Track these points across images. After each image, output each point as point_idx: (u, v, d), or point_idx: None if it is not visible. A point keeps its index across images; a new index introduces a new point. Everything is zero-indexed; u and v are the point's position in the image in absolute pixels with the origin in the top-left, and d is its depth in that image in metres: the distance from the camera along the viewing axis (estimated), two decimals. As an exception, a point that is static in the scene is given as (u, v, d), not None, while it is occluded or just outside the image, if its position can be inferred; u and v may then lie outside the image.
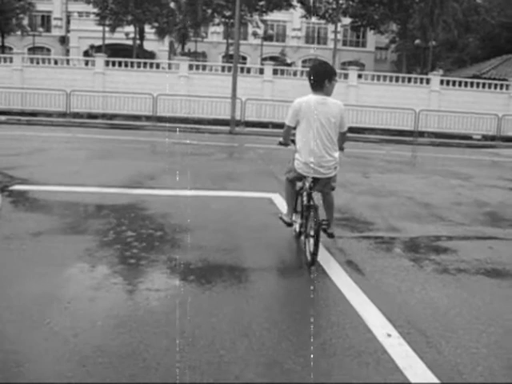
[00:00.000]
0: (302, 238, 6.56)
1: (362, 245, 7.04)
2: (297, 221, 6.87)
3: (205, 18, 44.84)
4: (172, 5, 45.04)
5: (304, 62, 65.35)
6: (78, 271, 5.45)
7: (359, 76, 32.81)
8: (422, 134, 29.75)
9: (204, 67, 33.21)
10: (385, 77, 32.95)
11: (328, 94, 6.17)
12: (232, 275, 5.56)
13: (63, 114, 28.74)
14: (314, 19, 52.77)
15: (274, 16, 55.92)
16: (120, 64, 31.97)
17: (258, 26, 49.91)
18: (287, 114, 6.32)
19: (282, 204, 9.15)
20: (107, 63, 32.09)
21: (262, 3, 43.00)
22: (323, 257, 6.31)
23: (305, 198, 6.33)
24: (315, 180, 6.26)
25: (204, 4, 41.84)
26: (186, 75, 31.61)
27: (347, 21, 50.76)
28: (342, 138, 6.47)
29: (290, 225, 6.82)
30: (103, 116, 29.74)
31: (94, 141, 19.06)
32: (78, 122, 26.49)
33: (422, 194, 11.25)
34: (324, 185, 6.45)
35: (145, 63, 32.27)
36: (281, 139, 6.67)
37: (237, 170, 13.14)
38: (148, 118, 28.76)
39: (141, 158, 14.32)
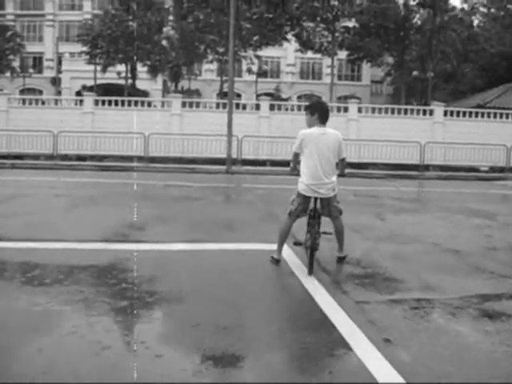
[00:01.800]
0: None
1: (395, 312, 5.67)
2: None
3: (198, 54, 43.97)
4: (164, 42, 44.23)
5: (299, 97, 64.65)
6: None
7: (359, 109, 31.66)
8: (427, 167, 28.50)
9: (198, 104, 32.05)
10: (386, 109, 31.79)
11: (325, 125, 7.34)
12: (236, 370, 4.17)
13: (50, 157, 27.43)
14: (309, 53, 52.08)
15: (268, 52, 55.31)
16: (110, 103, 30.77)
17: (252, 62, 49.14)
18: (294, 143, 7.36)
19: (290, 257, 7.82)
20: (97, 102, 30.90)
21: (256, 38, 42.09)
22: (352, 333, 4.98)
23: (310, 220, 7.30)
24: (316, 200, 7.28)
25: (197, 40, 40.91)
26: (179, 113, 30.41)
27: (342, 54, 50.02)
28: (342, 164, 7.57)
29: (277, 262, 7.51)
30: (92, 157, 28.40)
31: (80, 185, 17.71)
32: (66, 165, 25.15)
33: (447, 238, 9.92)
34: (327, 205, 7.39)
35: (136, 102, 31.06)
36: (291, 165, 7.70)
37: (236, 215, 11.75)
38: (140, 159, 27.43)
39: (129, 205, 12.92)
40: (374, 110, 31.79)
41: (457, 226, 11.33)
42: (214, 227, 10.14)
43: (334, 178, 7.31)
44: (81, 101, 31.84)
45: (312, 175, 7.17)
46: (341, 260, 7.76)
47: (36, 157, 27.70)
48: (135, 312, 5.42)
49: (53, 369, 4.14)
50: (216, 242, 8.83)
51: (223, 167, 25.09)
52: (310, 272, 6.99)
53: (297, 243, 7.61)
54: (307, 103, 8.24)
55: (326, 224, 7.62)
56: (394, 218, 12.11)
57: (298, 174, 7.44)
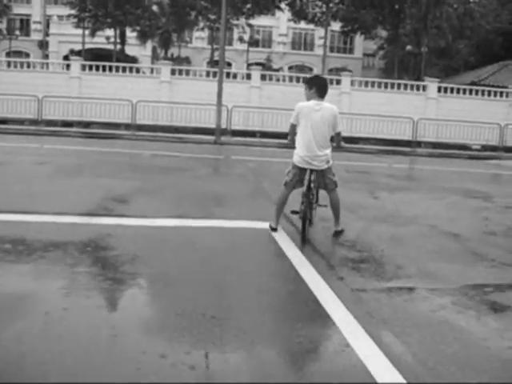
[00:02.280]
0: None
1: (395, 303, 5.28)
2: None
3: (189, 21, 43.08)
4: (154, 7, 43.23)
5: (290, 68, 63.85)
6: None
7: (352, 83, 31.05)
8: (418, 143, 28.12)
9: (188, 72, 31.31)
10: (379, 83, 31.25)
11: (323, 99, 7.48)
12: (223, 362, 3.77)
13: (35, 122, 26.75)
14: (301, 24, 51.22)
15: (260, 21, 54.41)
16: (98, 68, 29.98)
17: (243, 31, 48.26)
18: (292, 115, 7.60)
19: (280, 236, 7.42)
20: (84, 67, 30.13)
21: (248, 6, 41.20)
22: (349, 326, 4.61)
23: (305, 187, 7.37)
24: (311, 172, 7.39)
25: (188, 6, 39.99)
26: (168, 80, 29.71)
27: (336, 26, 49.21)
28: (338, 138, 7.72)
29: (274, 230, 7.71)
30: (79, 124, 27.79)
31: (64, 153, 17.12)
32: (51, 131, 24.48)
33: (445, 220, 9.53)
34: (322, 177, 7.56)
35: (124, 68, 30.29)
36: (288, 137, 7.83)
37: (225, 189, 11.29)
38: (127, 127, 26.86)
39: (114, 175, 12.46)
40: (366, 83, 31.17)
41: (454, 208, 10.95)
42: (202, 202, 9.70)
43: (328, 151, 7.50)
44: (68, 65, 31.03)
45: (306, 147, 7.37)
46: (337, 234, 7.81)
47: (20, 122, 27.01)
48: (115, 296, 5.00)
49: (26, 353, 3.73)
50: (204, 218, 8.39)
51: (212, 137, 24.61)
52: (303, 241, 7.22)
53: (294, 212, 7.64)
54: (307, 76, 9.23)
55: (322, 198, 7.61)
56: (388, 197, 11.72)
57: (295, 146, 7.62)
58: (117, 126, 27.21)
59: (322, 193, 7.81)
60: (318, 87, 7.49)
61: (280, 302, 5.18)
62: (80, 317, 4.49)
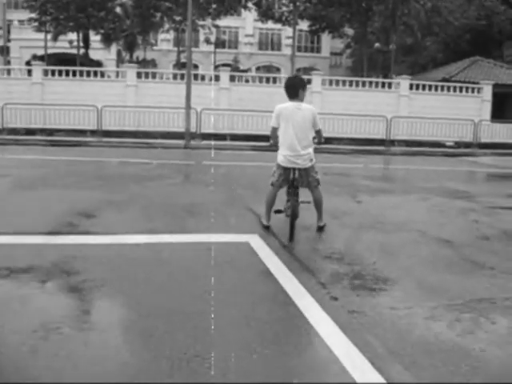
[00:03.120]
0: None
1: (398, 326, 4.70)
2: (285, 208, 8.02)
3: (153, 23, 42.20)
4: (118, 9, 42.26)
5: (258, 68, 63.43)
6: None
7: (322, 82, 30.54)
8: (392, 142, 27.73)
9: (154, 75, 30.45)
10: (350, 82, 30.76)
11: (302, 100, 7.76)
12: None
13: (-4, 131, 25.82)
14: (268, 24, 50.72)
15: (226, 22, 53.85)
16: (60, 73, 28.97)
17: (210, 32, 47.60)
18: (271, 118, 7.77)
19: (263, 251, 6.83)
20: (46, 73, 29.13)
21: (214, 6, 40.48)
22: (353, 360, 4.03)
23: (290, 190, 7.75)
24: (295, 171, 7.68)
25: (152, 8, 39.15)
26: (134, 84, 28.88)
27: (302, 25, 48.80)
28: (319, 135, 7.95)
29: (266, 228, 8.00)
30: (42, 131, 26.82)
31: (26, 163, 16.24)
32: (13, 140, 23.55)
33: (434, 224, 9.03)
34: (305, 175, 7.82)
35: (88, 72, 29.35)
36: (270, 141, 8.02)
37: (197, 198, 10.62)
38: (93, 133, 26.00)
39: (80, 186, 11.72)
40: (337, 82, 30.68)
41: (440, 211, 10.42)
42: (174, 213, 9.03)
43: (311, 150, 7.77)
44: (29, 71, 30.02)
45: (289, 147, 7.61)
46: (320, 229, 8.08)
47: (-21, 131, 26.03)
48: (80, 336, 4.33)
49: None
50: (176, 232, 7.74)
51: (181, 142, 23.93)
52: (291, 239, 7.42)
53: (278, 211, 8.05)
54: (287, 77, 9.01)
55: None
56: (370, 201, 11.17)
57: (277, 148, 7.86)
58: (82, 132, 26.32)
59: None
60: (286, 88, 7.86)
61: (270, 333, 4.54)
62: (40, 367, 3.82)
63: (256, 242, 7.27)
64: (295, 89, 7.76)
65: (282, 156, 7.70)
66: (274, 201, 8.04)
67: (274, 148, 7.96)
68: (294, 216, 7.55)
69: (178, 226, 8.14)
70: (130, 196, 10.51)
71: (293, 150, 7.60)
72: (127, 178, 13.13)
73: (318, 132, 7.91)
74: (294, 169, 7.68)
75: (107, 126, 26.06)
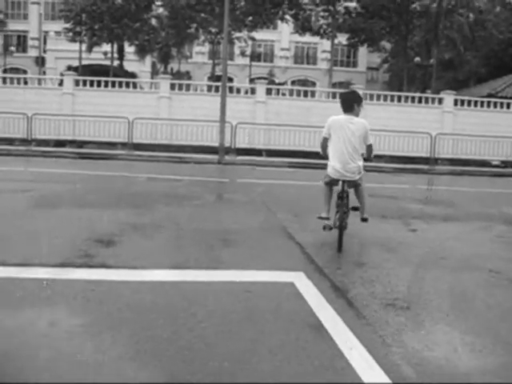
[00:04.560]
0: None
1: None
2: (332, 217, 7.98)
3: (189, 34, 41.50)
4: (153, 21, 41.64)
5: (293, 82, 62.39)
6: None
7: (363, 96, 29.22)
8: (436, 160, 26.30)
9: (188, 87, 29.59)
10: (392, 97, 29.46)
11: (356, 115, 7.90)
12: None
13: (25, 141, 25.00)
14: (304, 38, 49.78)
15: (262, 35, 53.12)
16: (92, 84, 28.26)
17: (246, 44, 46.78)
18: (324, 128, 7.97)
19: (312, 295, 5.64)
20: (77, 83, 28.40)
21: (250, 18, 39.58)
22: None
23: (339, 200, 7.82)
24: (344, 183, 7.85)
25: (188, 19, 38.37)
26: (167, 96, 27.98)
27: (339, 39, 47.70)
28: (368, 150, 8.05)
29: (327, 219, 7.91)
30: (72, 143, 26.02)
31: (49, 178, 15.26)
32: (40, 151, 22.76)
33: (505, 261, 7.74)
34: (353, 186, 7.99)
35: (120, 83, 28.57)
36: (321, 151, 8.18)
37: (233, 223, 9.44)
38: (124, 146, 25.09)
39: (103, 206, 10.68)
40: (379, 96, 29.35)
41: (508, 243, 9.13)
42: (205, 242, 7.84)
43: (360, 163, 7.90)
44: (61, 81, 29.31)
45: (338, 159, 7.77)
46: (364, 220, 8.17)
47: (10, 141, 25.26)
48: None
49: None
50: (209, 268, 6.56)
51: (215, 157, 22.88)
52: (339, 249, 7.61)
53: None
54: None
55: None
56: (426, 229, 9.91)
57: (327, 158, 8.06)
58: (113, 145, 25.44)
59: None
60: (342, 102, 8.00)
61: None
62: None
63: (302, 282, 6.09)
64: (350, 103, 7.93)
65: (332, 168, 7.87)
66: (331, 194, 8.13)
67: (326, 158, 8.10)
68: (342, 227, 7.68)
69: (209, 259, 6.96)
70: (157, 219, 9.39)
71: (342, 162, 7.75)
72: (155, 197, 12.04)
73: (369, 147, 8.07)
74: (344, 181, 7.85)
75: (138, 138, 25.16)
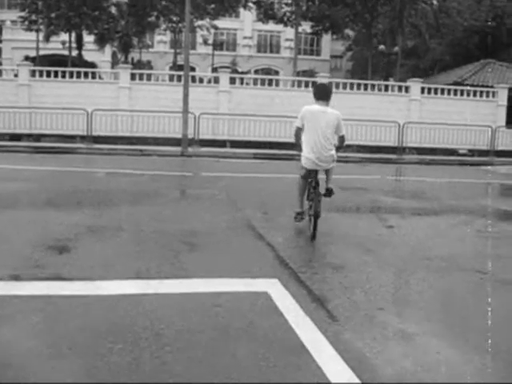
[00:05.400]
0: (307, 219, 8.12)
1: None
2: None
3: (149, 23, 40.46)
4: (113, 9, 40.46)
5: (256, 71, 61.69)
6: None
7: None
8: (403, 149, 25.96)
9: (149, 77, 28.59)
10: (359, 85, 28.95)
11: (328, 104, 8.12)
12: None
13: (-22, 136, 23.97)
14: (266, 26, 49.15)
15: (225, 23, 52.34)
16: (49, 74, 27.14)
17: (208, 33, 45.92)
18: (297, 118, 8.15)
19: (289, 307, 5.10)
20: (33, 73, 27.28)
21: (213, 6, 38.73)
22: None
23: (312, 189, 8.01)
24: (317, 171, 8.14)
25: (148, 7, 37.37)
26: (127, 86, 26.99)
27: (303, 27, 47.19)
28: (341, 140, 8.34)
29: (300, 214, 8.22)
30: (29, 137, 25.01)
31: (2, 174, 14.42)
32: (-5, 146, 21.78)
33: (491, 260, 7.26)
34: (326, 172, 8.30)
35: (78, 73, 27.50)
36: (295, 141, 8.34)
37: (198, 222, 8.78)
38: (83, 139, 24.19)
39: (57, 206, 9.98)
40: (345, 85, 28.81)
41: (489, 238, 8.67)
42: (169, 246, 7.19)
43: (333, 152, 8.06)
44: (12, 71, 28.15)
45: (312, 149, 7.89)
46: (329, 191, 8.26)
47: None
48: None
49: None
50: (172, 276, 5.94)
51: (178, 149, 22.19)
52: (313, 238, 7.72)
53: (299, 215, 8.24)
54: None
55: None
56: (404, 225, 9.44)
57: (301, 150, 8.15)
58: (71, 138, 24.51)
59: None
60: (313, 93, 8.21)
61: None
62: None
63: (277, 291, 5.53)
64: (326, 93, 8.20)
65: (305, 158, 8.00)
66: (306, 189, 8.22)
67: (299, 149, 8.18)
68: (316, 215, 7.70)
69: (173, 266, 6.32)
70: (116, 220, 8.69)
71: (315, 152, 7.86)
72: (114, 195, 11.33)
73: (341, 138, 8.24)
74: (317, 171, 8.07)
75: (98, 131, 24.22)
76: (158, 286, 5.57)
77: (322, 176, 8.32)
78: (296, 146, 8.33)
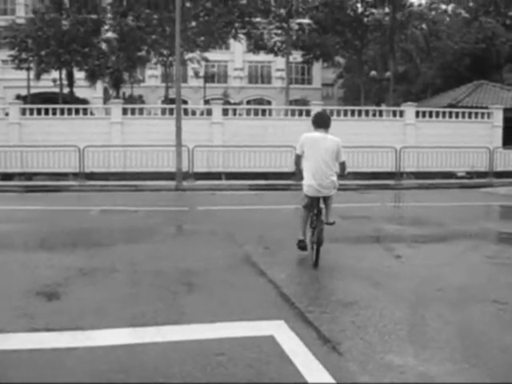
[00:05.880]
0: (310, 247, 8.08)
1: None
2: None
3: (140, 57, 40.38)
4: (103, 45, 40.42)
5: (248, 102, 61.68)
6: None
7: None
8: (401, 174, 25.59)
9: (141, 111, 28.35)
10: (352, 111, 28.69)
11: (327, 132, 8.20)
12: None
13: (-30, 177, 23.57)
14: (257, 57, 49.35)
15: (215, 55, 52.37)
16: (39, 112, 26.86)
17: (199, 66, 45.97)
18: (292, 147, 9.52)
19: (298, 353, 4.66)
20: (24, 111, 26.98)
21: (202, 38, 38.67)
22: None
23: (314, 217, 8.03)
24: (319, 200, 8.12)
25: (138, 41, 37.26)
26: (119, 121, 26.68)
27: (294, 56, 47.27)
28: (342, 167, 8.43)
29: (301, 242, 8.24)
30: (20, 175, 24.59)
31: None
32: (-14, 186, 21.35)
33: (508, 288, 6.87)
34: (328, 199, 8.23)
35: (70, 110, 27.20)
36: (295, 169, 8.52)
37: (195, 260, 8.31)
38: (75, 176, 23.78)
39: (48, 247, 9.56)
40: (339, 112, 28.53)
41: (503, 265, 8.28)
42: (165, 288, 6.74)
43: (334, 178, 8.10)
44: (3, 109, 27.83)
45: (313, 176, 7.94)
46: (331, 224, 8.24)
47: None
48: None
49: None
50: (170, 322, 5.49)
51: (172, 183, 21.83)
52: (315, 266, 7.68)
53: (301, 244, 8.27)
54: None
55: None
56: (412, 255, 9.00)
57: (301, 179, 8.24)
58: (64, 175, 24.09)
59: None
60: (312, 121, 8.35)
61: None
62: None
63: (284, 334, 5.11)
64: (325, 121, 8.31)
65: (306, 186, 8.06)
66: (308, 219, 8.22)
67: (299, 177, 8.29)
68: (319, 242, 7.70)
69: (171, 310, 5.89)
70: (109, 261, 8.23)
71: (317, 179, 7.89)
72: (108, 234, 10.92)
73: (342, 164, 8.36)
74: (319, 198, 8.07)
75: (90, 167, 23.82)
76: (154, 333, 5.14)
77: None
78: (296, 174, 8.49)
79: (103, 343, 4.89)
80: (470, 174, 26.85)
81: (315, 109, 27.73)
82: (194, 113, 29.67)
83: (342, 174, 8.48)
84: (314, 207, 8.05)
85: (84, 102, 45.22)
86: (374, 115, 28.76)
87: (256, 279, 7.24)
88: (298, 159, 8.23)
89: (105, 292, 6.62)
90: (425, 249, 9.60)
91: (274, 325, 5.35)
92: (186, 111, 27.70)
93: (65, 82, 40.54)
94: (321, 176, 7.87)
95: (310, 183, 7.96)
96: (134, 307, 5.94)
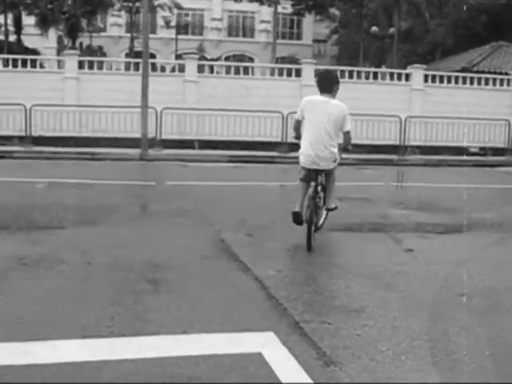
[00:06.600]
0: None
1: None
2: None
3: (101, 2, 39.80)
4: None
5: (227, 58, 61.32)
6: None
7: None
8: (405, 148, 25.28)
9: (101, 65, 27.73)
10: (350, 72, 28.14)
11: (334, 97, 8.22)
12: None
13: None
14: (241, 4, 48.92)
15: (190, 2, 51.81)
16: (-24, 64, 26.21)
17: (170, 14, 45.47)
18: (297, 110, 8.53)
19: (290, 372, 4.28)
20: (-42, 63, 26.29)
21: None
22: None
23: (311, 191, 8.03)
24: (318, 172, 8.18)
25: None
26: (74, 76, 25.98)
27: (281, 7, 46.84)
28: (346, 138, 8.42)
29: (296, 214, 8.06)
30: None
31: None
32: None
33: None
34: (328, 175, 8.38)
35: (15, 61, 26.47)
36: (294, 134, 8.70)
37: (164, 251, 7.85)
38: (21, 140, 23.21)
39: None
40: (341, 73, 28.06)
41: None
42: (127, 286, 6.30)
43: (335, 150, 8.15)
44: None
45: (310, 145, 8.01)
46: (331, 210, 8.67)
47: None
48: None
49: None
50: (132, 332, 5.05)
51: (137, 151, 21.40)
52: (309, 248, 7.67)
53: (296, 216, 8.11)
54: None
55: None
56: (425, 248, 8.67)
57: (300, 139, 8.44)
58: (8, 139, 23.49)
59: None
60: (317, 82, 8.53)
61: None
62: None
63: (274, 350, 4.75)
64: (329, 83, 8.30)
65: (304, 155, 8.14)
66: (306, 192, 8.13)
67: (297, 142, 8.46)
68: (311, 221, 7.75)
69: (132, 318, 5.42)
70: (56, 248, 7.74)
71: (314, 149, 7.96)
72: (56, 213, 10.37)
73: (346, 134, 8.32)
74: (318, 171, 8.12)
75: (39, 130, 23.29)
76: (110, 348, 4.70)
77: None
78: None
79: (46, 360, 4.43)
80: (484, 151, 26.63)
81: (307, 68, 27.45)
82: (163, 69, 29.24)
83: (346, 147, 8.52)
84: (312, 181, 8.07)
85: (34, 52, 44.52)
86: (376, 78, 28.33)
87: (238, 277, 6.81)
88: (298, 125, 8.38)
89: (49, 291, 6.13)
90: (440, 241, 9.27)
91: (262, 338, 4.97)
92: (154, 67, 27.33)
93: (11, 29, 39.93)
94: (319, 145, 7.92)
95: (306, 153, 8.05)
96: (85, 312, 5.47)
